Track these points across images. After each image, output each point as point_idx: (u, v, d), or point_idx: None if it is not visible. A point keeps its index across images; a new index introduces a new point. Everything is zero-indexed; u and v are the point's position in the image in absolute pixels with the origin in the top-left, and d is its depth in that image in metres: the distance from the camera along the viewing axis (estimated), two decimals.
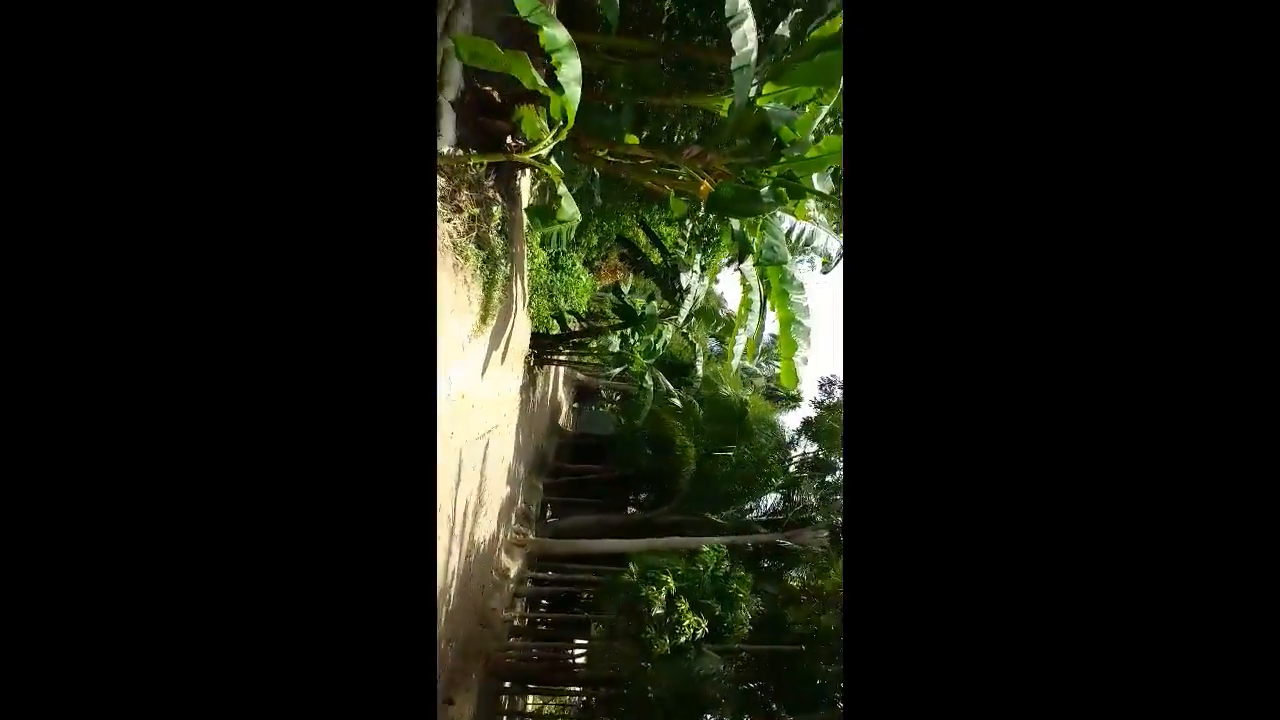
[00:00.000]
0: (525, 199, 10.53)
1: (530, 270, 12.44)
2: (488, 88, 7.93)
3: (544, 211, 5.97)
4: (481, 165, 7.36)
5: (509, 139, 5.99)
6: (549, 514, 17.26)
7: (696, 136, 10.20)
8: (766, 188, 7.05)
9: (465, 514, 8.91)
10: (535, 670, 13.53)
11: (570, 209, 5.71)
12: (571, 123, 5.41)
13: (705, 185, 7.94)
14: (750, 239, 7.44)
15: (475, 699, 9.71)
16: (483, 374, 8.41)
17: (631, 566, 11.86)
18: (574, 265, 17.32)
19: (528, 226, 11.80)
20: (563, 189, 5.61)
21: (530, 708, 16.83)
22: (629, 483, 19.80)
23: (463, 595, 9.00)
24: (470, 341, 7.54)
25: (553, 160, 5.49)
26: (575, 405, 25.60)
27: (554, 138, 5.53)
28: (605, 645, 12.00)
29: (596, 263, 20.51)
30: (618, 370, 14.97)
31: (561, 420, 22.30)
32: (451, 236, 6.91)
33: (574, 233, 5.63)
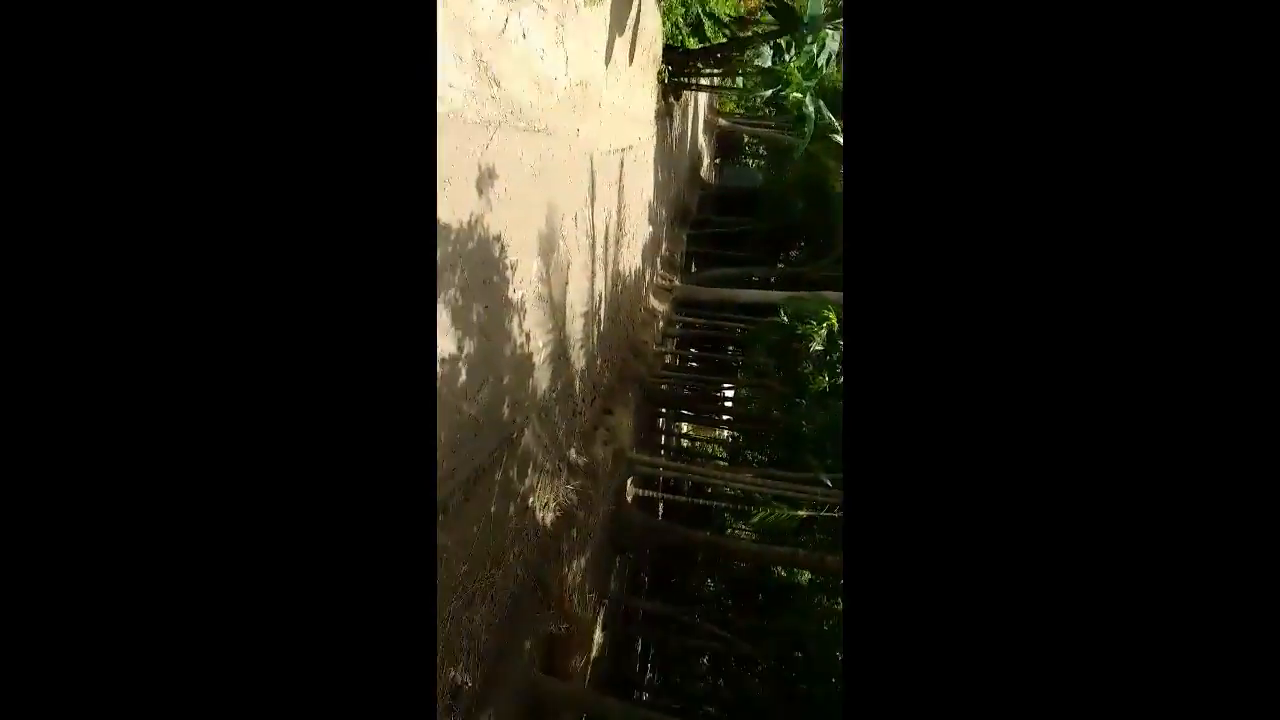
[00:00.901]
0: None
1: None
2: None
3: None
4: None
5: None
6: (693, 266, 16.66)
7: None
8: None
9: (606, 237, 8.25)
10: (687, 401, 14.00)
11: None
12: None
13: None
14: None
15: (632, 414, 10.08)
16: (606, 63, 6.99)
17: (783, 312, 11.13)
18: None
19: None
20: None
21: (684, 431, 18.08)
22: (779, 237, 18.36)
23: (612, 321, 8.79)
24: (585, 5, 6.04)
25: None
26: (717, 160, 23.41)
27: None
28: (755, 384, 11.84)
29: None
30: (768, 92, 12.59)
31: (703, 173, 20.56)
32: None
33: None
